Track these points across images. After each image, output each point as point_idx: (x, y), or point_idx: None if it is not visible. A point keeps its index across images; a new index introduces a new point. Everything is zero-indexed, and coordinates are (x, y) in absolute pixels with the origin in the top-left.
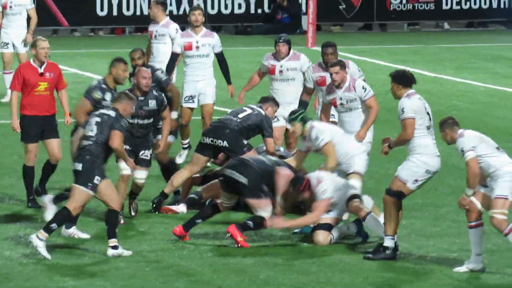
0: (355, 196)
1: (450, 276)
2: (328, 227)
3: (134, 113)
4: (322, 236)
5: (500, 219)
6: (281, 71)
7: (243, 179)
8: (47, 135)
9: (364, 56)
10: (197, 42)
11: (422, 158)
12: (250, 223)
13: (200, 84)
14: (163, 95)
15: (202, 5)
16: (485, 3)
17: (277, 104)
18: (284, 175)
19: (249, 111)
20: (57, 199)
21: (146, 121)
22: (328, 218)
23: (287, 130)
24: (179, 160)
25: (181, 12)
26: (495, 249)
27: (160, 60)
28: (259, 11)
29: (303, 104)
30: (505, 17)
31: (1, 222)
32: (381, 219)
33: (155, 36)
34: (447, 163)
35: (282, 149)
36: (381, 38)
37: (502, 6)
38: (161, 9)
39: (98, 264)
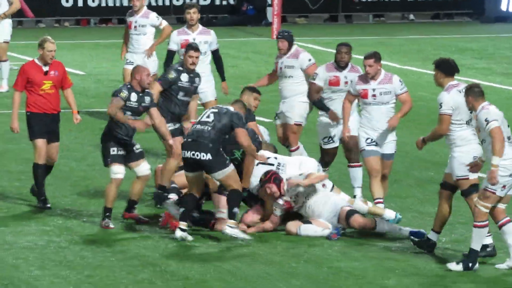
0: (352, 212)
1: (415, 266)
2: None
3: (135, 109)
4: (294, 227)
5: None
6: (280, 68)
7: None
8: (49, 138)
9: (330, 47)
10: (194, 40)
11: (464, 149)
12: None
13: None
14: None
15: None
16: None
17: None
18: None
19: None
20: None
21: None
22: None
23: (284, 126)
24: None
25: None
26: (462, 239)
27: (142, 51)
28: (224, 2)
29: (318, 103)
30: (471, 9)
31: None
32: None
33: (135, 27)
34: (412, 155)
35: (266, 132)
36: (347, 30)
37: None
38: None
39: (63, 254)
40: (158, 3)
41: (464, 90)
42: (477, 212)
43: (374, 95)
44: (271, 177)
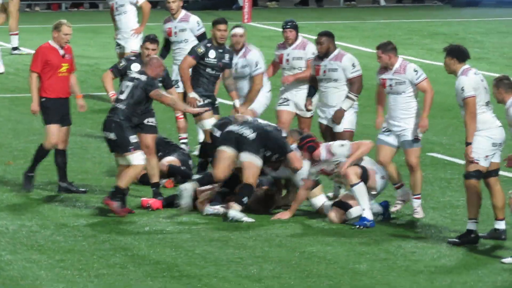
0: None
1: (387, 251)
2: (345, 206)
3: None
4: (335, 215)
5: None
6: (287, 60)
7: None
8: (63, 122)
9: (301, 32)
10: (175, 28)
11: (484, 133)
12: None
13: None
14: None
15: None
16: None
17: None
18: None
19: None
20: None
21: None
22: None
23: (298, 116)
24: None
25: None
26: (433, 223)
27: (126, 30)
28: None
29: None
30: None
31: None
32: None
33: (116, 8)
34: None
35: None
36: (318, 14)
37: None
38: None
39: (35, 238)
40: None
41: (493, 81)
42: None
43: (390, 85)
44: (306, 145)
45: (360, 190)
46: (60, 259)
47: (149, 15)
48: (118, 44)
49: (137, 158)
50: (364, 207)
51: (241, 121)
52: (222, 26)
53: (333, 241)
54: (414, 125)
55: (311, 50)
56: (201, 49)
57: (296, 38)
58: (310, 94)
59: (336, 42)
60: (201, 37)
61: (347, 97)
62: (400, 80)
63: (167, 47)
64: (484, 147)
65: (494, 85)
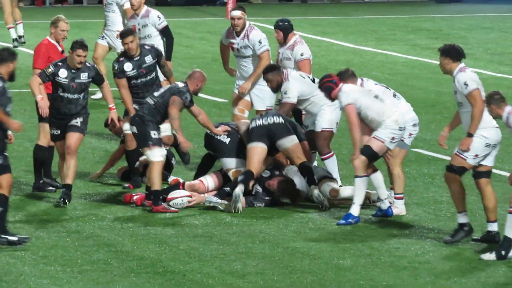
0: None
1: (371, 246)
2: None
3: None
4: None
5: None
6: (281, 60)
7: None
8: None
9: None
10: (138, 24)
11: (479, 132)
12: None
13: None
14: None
15: None
16: None
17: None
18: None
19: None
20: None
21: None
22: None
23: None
24: None
25: None
26: (417, 219)
27: (112, 29)
28: None
29: None
30: None
31: None
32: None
33: (105, 4)
34: None
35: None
36: (302, 10)
37: None
38: None
39: (18, 234)
40: None
41: (484, 99)
42: None
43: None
44: (323, 85)
45: (360, 184)
46: (43, 255)
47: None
48: (103, 36)
49: (155, 155)
50: (355, 201)
51: (259, 116)
52: (129, 39)
53: (317, 237)
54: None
55: (298, 51)
56: (116, 67)
57: (284, 39)
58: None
59: (320, 38)
60: (164, 31)
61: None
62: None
63: None
64: (476, 145)
65: (485, 103)
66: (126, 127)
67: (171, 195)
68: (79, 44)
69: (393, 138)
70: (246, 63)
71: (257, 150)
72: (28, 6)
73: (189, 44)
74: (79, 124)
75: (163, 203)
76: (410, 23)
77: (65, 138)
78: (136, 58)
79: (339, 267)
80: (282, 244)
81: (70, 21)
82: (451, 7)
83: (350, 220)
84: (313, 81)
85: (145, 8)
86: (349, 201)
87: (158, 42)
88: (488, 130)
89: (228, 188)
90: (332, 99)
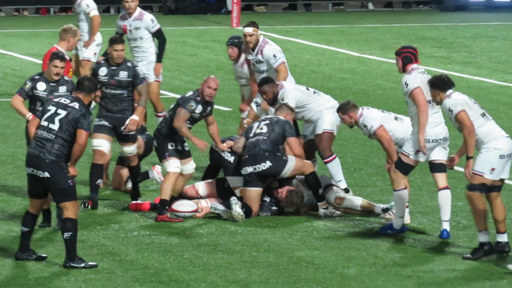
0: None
1: (375, 255)
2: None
3: (197, 119)
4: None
5: None
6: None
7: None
8: None
9: (289, 36)
10: (130, 26)
11: (490, 145)
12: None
13: (140, 65)
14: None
15: None
16: None
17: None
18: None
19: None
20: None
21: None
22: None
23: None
24: None
25: None
26: (421, 227)
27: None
28: None
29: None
30: None
31: None
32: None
33: (76, 13)
34: (371, 143)
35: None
36: (306, 18)
37: None
38: None
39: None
40: None
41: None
42: None
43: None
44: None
45: (400, 197)
46: (48, 264)
47: (99, 28)
48: (76, 48)
49: (170, 165)
50: (398, 214)
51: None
52: (119, 46)
53: (322, 246)
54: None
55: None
56: (92, 68)
57: (237, 57)
58: None
59: (324, 46)
60: (157, 34)
61: None
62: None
63: None
64: (490, 159)
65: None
66: (96, 143)
67: (177, 207)
68: (56, 55)
69: (417, 151)
70: None
71: (254, 193)
72: (32, 14)
73: (194, 52)
74: None
75: (167, 213)
76: (414, 31)
77: None
78: (113, 67)
79: (344, 276)
80: (287, 253)
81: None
82: (455, 16)
83: (389, 230)
84: (307, 89)
85: (138, 10)
86: (353, 210)
87: (149, 45)
88: (497, 141)
89: (234, 198)
90: (404, 70)
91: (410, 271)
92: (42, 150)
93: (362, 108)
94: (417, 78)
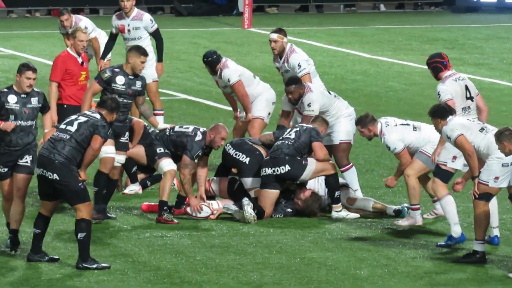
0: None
1: (387, 257)
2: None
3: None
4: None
5: None
6: (222, 87)
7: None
8: None
9: (301, 37)
10: (128, 25)
11: (493, 156)
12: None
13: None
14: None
15: None
16: None
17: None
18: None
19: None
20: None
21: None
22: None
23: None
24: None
25: None
26: (433, 229)
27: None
28: None
29: None
30: None
31: None
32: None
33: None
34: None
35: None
36: (318, 20)
37: None
38: None
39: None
40: None
41: (494, 136)
42: None
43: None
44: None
45: (444, 205)
46: (60, 265)
47: (99, 50)
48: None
49: (164, 165)
50: (449, 222)
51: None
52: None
53: (334, 247)
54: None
55: (226, 76)
56: (107, 73)
57: (213, 72)
58: None
59: (336, 48)
60: (155, 33)
61: None
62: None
63: (113, 41)
64: (494, 169)
65: (496, 140)
66: (108, 150)
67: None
68: (27, 67)
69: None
70: None
71: (271, 195)
72: (44, 16)
73: None
74: (29, 163)
75: (166, 214)
76: (426, 33)
77: (13, 178)
78: (131, 77)
79: (356, 278)
80: (299, 254)
81: None
82: (467, 17)
83: (449, 242)
84: (329, 93)
85: (136, 10)
86: (365, 211)
87: (147, 43)
88: (499, 150)
89: (246, 199)
90: (438, 78)
91: (422, 272)
92: (53, 151)
93: (381, 123)
94: (450, 87)
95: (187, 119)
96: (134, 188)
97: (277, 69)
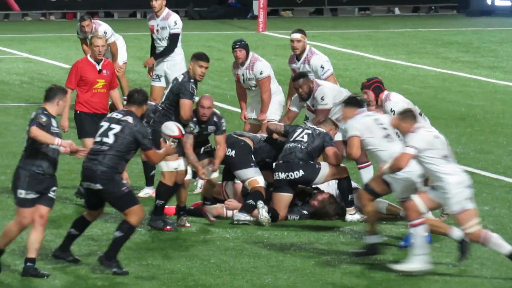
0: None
1: (401, 259)
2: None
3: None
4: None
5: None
6: (243, 80)
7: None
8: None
9: (316, 41)
10: (157, 25)
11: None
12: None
13: (165, 65)
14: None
15: None
16: None
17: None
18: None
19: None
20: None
21: None
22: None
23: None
24: None
25: None
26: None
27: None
28: None
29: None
30: (456, 2)
31: None
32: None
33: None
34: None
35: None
36: (332, 23)
37: None
38: None
39: (49, 247)
40: None
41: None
42: None
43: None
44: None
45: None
46: (75, 268)
47: (117, 53)
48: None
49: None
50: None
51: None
52: (205, 63)
53: (348, 250)
54: None
55: (258, 69)
56: (194, 88)
57: (246, 58)
58: None
59: (350, 51)
60: (171, 36)
61: None
62: None
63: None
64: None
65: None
66: (175, 165)
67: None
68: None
69: None
70: None
71: (285, 198)
72: (59, 19)
73: (220, 57)
74: (54, 196)
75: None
76: (440, 36)
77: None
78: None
79: (371, 280)
80: (314, 257)
81: None
82: (482, 20)
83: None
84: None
85: (166, 10)
86: (379, 214)
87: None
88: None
89: (251, 201)
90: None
91: (436, 275)
92: (94, 162)
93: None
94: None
95: None
96: (148, 192)
97: (292, 71)
